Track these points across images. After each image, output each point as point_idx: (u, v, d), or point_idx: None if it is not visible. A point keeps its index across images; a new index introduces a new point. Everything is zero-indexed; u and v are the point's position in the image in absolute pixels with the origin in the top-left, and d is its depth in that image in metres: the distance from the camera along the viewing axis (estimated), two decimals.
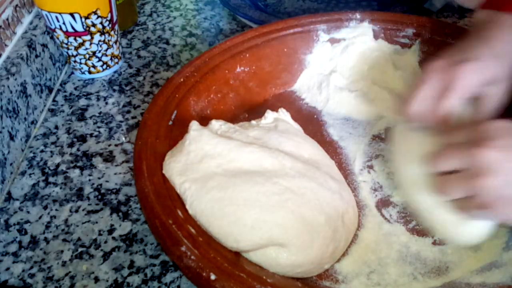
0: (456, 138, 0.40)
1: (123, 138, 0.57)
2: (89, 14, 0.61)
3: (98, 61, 0.66)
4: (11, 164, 0.53)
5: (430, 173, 0.41)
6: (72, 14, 0.60)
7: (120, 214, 0.49)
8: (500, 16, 0.46)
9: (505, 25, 0.45)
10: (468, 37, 0.46)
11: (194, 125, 0.45)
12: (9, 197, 0.51)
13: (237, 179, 0.41)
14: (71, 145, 0.57)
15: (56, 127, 0.59)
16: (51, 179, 0.53)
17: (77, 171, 0.53)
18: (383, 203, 0.47)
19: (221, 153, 0.43)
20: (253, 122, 0.50)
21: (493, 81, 0.43)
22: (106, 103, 0.63)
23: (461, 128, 0.40)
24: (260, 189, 0.40)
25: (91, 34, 0.63)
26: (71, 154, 0.56)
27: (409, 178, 0.44)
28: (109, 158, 0.55)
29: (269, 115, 0.50)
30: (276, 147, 0.45)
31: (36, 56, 0.61)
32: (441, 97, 0.43)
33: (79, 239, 0.46)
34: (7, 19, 0.60)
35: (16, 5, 0.62)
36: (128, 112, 0.61)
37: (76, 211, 0.49)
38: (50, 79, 0.64)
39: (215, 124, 0.47)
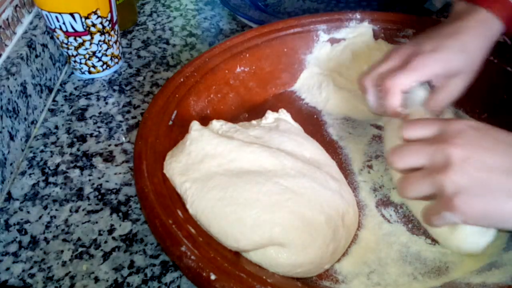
0: (419, 132, 0.39)
1: (123, 138, 0.57)
2: (89, 14, 0.61)
3: (98, 61, 0.66)
4: (11, 164, 0.53)
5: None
6: (72, 14, 0.60)
7: (120, 214, 0.49)
8: (475, 9, 0.46)
9: (478, 19, 0.46)
10: (441, 27, 0.47)
11: (195, 125, 0.45)
12: (9, 197, 0.51)
13: (237, 179, 0.41)
14: (71, 145, 0.57)
15: (56, 127, 0.59)
16: (51, 179, 0.53)
17: (77, 171, 0.53)
18: (383, 203, 0.47)
19: (222, 153, 0.43)
20: (254, 122, 0.50)
21: (455, 74, 0.45)
22: (106, 103, 0.63)
23: (425, 123, 0.39)
24: (261, 189, 0.40)
25: (91, 34, 0.63)
26: (71, 154, 0.56)
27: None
28: (109, 158, 0.55)
29: (270, 116, 0.50)
30: (277, 147, 0.45)
31: (36, 56, 0.61)
32: (397, 72, 0.45)
33: (79, 239, 0.46)
34: (7, 19, 0.60)
35: (16, 5, 0.62)
36: (128, 112, 0.61)
37: (76, 211, 0.49)
38: (50, 79, 0.64)
39: (216, 124, 0.47)
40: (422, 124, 0.39)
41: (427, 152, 0.36)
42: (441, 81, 0.46)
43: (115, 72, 0.68)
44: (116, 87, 0.66)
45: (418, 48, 0.46)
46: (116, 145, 0.56)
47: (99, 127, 0.59)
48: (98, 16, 0.62)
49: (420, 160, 0.37)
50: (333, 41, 0.61)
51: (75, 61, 0.65)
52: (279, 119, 0.50)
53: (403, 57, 0.46)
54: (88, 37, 0.63)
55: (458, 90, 0.46)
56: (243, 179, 0.41)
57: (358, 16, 0.60)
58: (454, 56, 0.45)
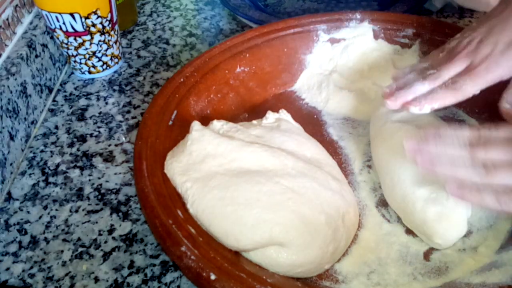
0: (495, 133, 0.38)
1: (123, 138, 0.57)
2: (89, 14, 0.61)
3: (98, 61, 0.66)
4: (11, 164, 0.53)
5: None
6: (72, 14, 0.60)
7: (120, 214, 0.49)
8: None
9: None
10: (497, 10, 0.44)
11: (196, 125, 0.45)
12: (9, 197, 0.51)
13: (238, 179, 0.41)
14: (71, 145, 0.57)
15: (56, 127, 0.59)
16: (51, 179, 0.53)
17: (77, 171, 0.53)
18: (383, 203, 0.47)
19: (222, 153, 0.43)
20: (254, 122, 0.50)
21: None
22: (106, 103, 0.63)
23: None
24: (261, 189, 0.40)
25: (91, 34, 0.63)
26: (71, 154, 0.56)
27: (388, 170, 0.45)
28: (109, 158, 0.55)
29: (271, 116, 0.50)
30: (278, 146, 0.45)
31: (36, 56, 0.61)
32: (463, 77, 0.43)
33: (79, 239, 0.46)
34: (7, 19, 0.60)
35: (16, 5, 0.62)
36: (128, 112, 0.61)
37: (76, 211, 0.49)
38: (50, 79, 0.64)
39: (217, 124, 0.47)
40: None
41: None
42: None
43: (115, 72, 0.68)
44: (116, 87, 0.66)
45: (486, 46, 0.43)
46: (116, 145, 0.56)
47: (99, 127, 0.59)
48: (98, 16, 0.62)
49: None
50: (333, 41, 0.61)
51: (75, 61, 0.65)
52: (280, 119, 0.50)
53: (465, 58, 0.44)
54: (88, 37, 0.63)
55: None
56: (243, 179, 0.41)
57: (358, 16, 0.60)
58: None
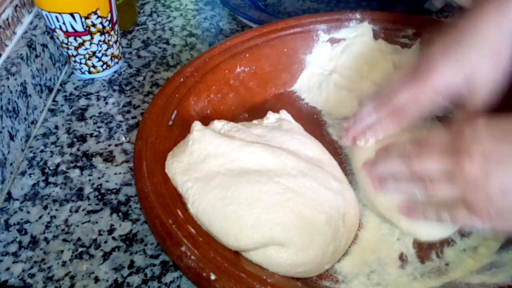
0: (434, 138, 0.38)
1: (123, 138, 0.57)
2: (89, 14, 0.61)
3: (98, 61, 0.66)
4: (11, 164, 0.53)
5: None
6: (72, 14, 0.60)
7: (120, 214, 0.49)
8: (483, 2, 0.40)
9: (486, 12, 0.40)
10: (454, 25, 0.42)
11: (197, 125, 0.45)
12: (9, 197, 0.51)
13: (239, 179, 0.41)
14: (71, 145, 0.57)
15: (56, 127, 0.59)
16: (51, 179, 0.53)
17: (77, 171, 0.53)
18: None
19: (223, 153, 0.43)
20: (255, 121, 0.50)
21: (472, 81, 0.40)
22: (106, 103, 0.63)
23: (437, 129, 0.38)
24: (262, 189, 0.40)
25: (91, 34, 0.63)
26: (71, 154, 0.56)
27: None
28: (109, 158, 0.55)
29: (271, 116, 0.50)
30: (279, 146, 0.45)
31: (36, 56, 0.61)
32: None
33: (79, 239, 0.46)
34: (7, 19, 0.60)
35: (16, 5, 0.62)
36: (128, 112, 0.61)
37: (76, 211, 0.49)
38: (50, 79, 0.64)
39: (217, 124, 0.47)
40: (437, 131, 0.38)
41: (446, 160, 0.36)
42: (463, 92, 0.41)
43: (115, 72, 0.68)
44: (116, 87, 0.66)
45: (431, 52, 0.42)
46: (116, 145, 0.56)
47: (99, 127, 0.59)
48: (98, 16, 0.62)
49: (438, 167, 0.37)
50: (333, 41, 0.61)
51: (75, 61, 0.65)
52: (281, 119, 0.50)
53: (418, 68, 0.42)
54: (88, 37, 0.63)
55: (481, 99, 0.41)
56: (244, 178, 0.41)
57: (358, 16, 0.60)
58: (475, 58, 0.39)
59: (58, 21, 0.60)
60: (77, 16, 0.60)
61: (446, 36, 0.42)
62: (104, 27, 0.63)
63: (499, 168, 0.33)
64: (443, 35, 0.42)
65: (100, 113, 0.61)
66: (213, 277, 0.35)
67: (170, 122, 0.48)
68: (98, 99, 0.63)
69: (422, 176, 0.38)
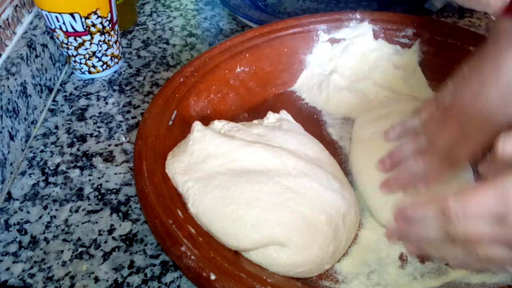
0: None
1: (123, 138, 0.57)
2: (89, 14, 0.61)
3: (98, 61, 0.66)
4: (11, 164, 0.53)
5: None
6: (72, 14, 0.60)
7: (120, 214, 0.49)
8: None
9: None
10: (480, 57, 0.39)
11: (197, 125, 0.45)
12: (9, 197, 0.51)
13: (239, 178, 0.41)
14: (71, 145, 0.57)
15: (56, 127, 0.59)
16: (51, 179, 0.53)
17: (77, 171, 0.53)
18: None
19: (224, 153, 0.43)
20: (255, 121, 0.50)
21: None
22: (106, 103, 0.63)
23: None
24: (262, 188, 0.40)
25: (91, 34, 0.63)
26: (71, 154, 0.56)
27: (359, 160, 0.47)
28: (109, 158, 0.55)
29: (271, 116, 0.50)
30: (280, 145, 0.45)
31: (36, 56, 0.61)
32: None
33: (79, 239, 0.46)
34: (7, 19, 0.60)
35: (16, 5, 0.62)
36: (128, 112, 0.61)
37: (76, 211, 0.49)
38: (50, 79, 0.64)
39: (218, 124, 0.47)
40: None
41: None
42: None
43: (115, 72, 0.68)
44: (116, 87, 0.66)
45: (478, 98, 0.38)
46: (116, 145, 0.56)
47: (99, 127, 0.59)
48: (98, 16, 0.62)
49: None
50: (333, 41, 0.61)
51: (75, 61, 0.65)
52: (282, 119, 0.50)
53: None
54: (88, 37, 0.63)
55: None
56: (244, 178, 0.41)
57: (358, 16, 0.60)
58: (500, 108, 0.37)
59: (58, 21, 0.60)
60: (77, 16, 0.60)
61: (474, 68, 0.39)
62: (104, 27, 0.63)
63: None
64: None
65: (100, 113, 0.61)
66: (213, 277, 0.35)
67: (170, 122, 0.48)
68: (98, 99, 0.63)
69: (470, 239, 0.31)
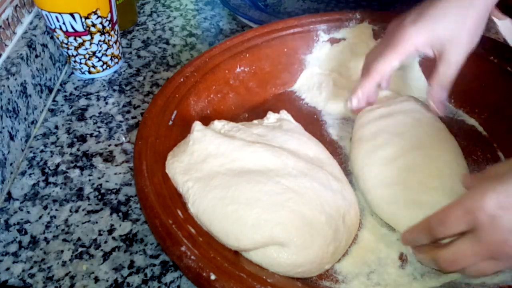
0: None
1: (123, 138, 0.57)
2: (89, 14, 0.61)
3: (98, 61, 0.66)
4: (11, 164, 0.53)
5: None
6: (72, 14, 0.60)
7: (120, 214, 0.49)
8: None
9: None
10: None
11: (197, 125, 0.45)
12: (9, 197, 0.51)
13: (239, 178, 0.41)
14: (71, 145, 0.57)
15: (56, 127, 0.59)
16: (51, 179, 0.53)
17: (77, 171, 0.53)
18: None
19: (224, 153, 0.43)
20: (255, 121, 0.50)
21: (444, 42, 0.44)
22: (106, 103, 0.63)
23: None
24: (262, 188, 0.40)
25: (91, 34, 0.63)
26: (71, 154, 0.56)
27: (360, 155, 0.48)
28: (109, 158, 0.55)
29: (271, 116, 0.50)
30: (280, 145, 0.45)
31: (36, 56, 0.61)
32: (378, 57, 0.46)
33: (79, 239, 0.46)
34: (7, 19, 0.60)
35: (16, 5, 0.62)
36: (128, 112, 0.61)
37: (76, 211, 0.49)
38: (50, 79, 0.64)
39: (218, 124, 0.47)
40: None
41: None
42: (435, 51, 0.46)
43: (115, 72, 0.68)
44: (116, 87, 0.66)
45: (400, 22, 0.46)
46: (116, 145, 0.56)
47: (99, 127, 0.59)
48: (98, 16, 0.62)
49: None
50: (333, 41, 0.61)
51: (75, 61, 0.65)
52: (282, 119, 0.50)
53: (387, 37, 0.47)
54: (88, 37, 0.63)
55: (457, 61, 0.45)
56: (245, 178, 0.41)
57: (358, 16, 0.60)
58: (437, 24, 0.44)
59: (58, 21, 0.60)
60: (77, 16, 0.60)
61: (417, 8, 0.46)
62: (104, 27, 0.63)
63: None
64: (416, 8, 0.47)
65: (100, 113, 0.61)
66: (213, 277, 0.35)
67: (170, 122, 0.48)
68: (98, 99, 0.63)
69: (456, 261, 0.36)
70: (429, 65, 0.58)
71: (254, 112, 0.57)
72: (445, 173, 0.44)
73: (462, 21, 0.44)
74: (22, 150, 0.56)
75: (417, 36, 0.45)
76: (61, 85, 0.66)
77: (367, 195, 0.46)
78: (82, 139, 0.57)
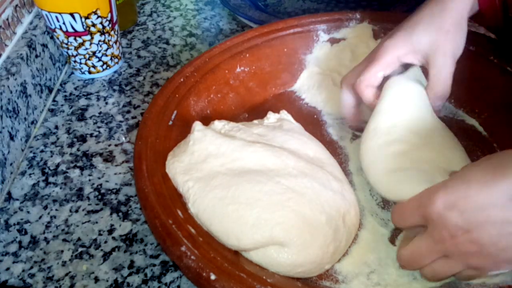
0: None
1: (123, 138, 0.57)
2: (89, 14, 0.61)
3: (98, 61, 0.66)
4: (11, 164, 0.53)
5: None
6: (72, 14, 0.60)
7: (120, 214, 0.49)
8: None
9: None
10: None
11: (197, 125, 0.45)
12: (9, 197, 0.51)
13: (240, 178, 0.41)
14: (71, 145, 0.57)
15: (56, 127, 0.59)
16: (51, 179, 0.53)
17: (77, 171, 0.53)
18: (383, 203, 0.47)
19: (224, 153, 0.43)
20: (255, 121, 0.50)
21: (427, 52, 0.45)
22: (106, 103, 0.63)
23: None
24: (262, 188, 0.40)
25: (91, 34, 0.63)
26: (71, 154, 0.56)
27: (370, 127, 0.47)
28: (109, 158, 0.55)
29: (271, 116, 0.50)
30: (280, 145, 0.45)
31: (36, 56, 0.61)
32: (363, 70, 0.47)
33: (79, 239, 0.46)
34: (7, 19, 0.60)
35: (16, 5, 0.62)
36: (128, 112, 0.61)
37: (76, 211, 0.49)
38: (50, 79, 0.64)
39: (218, 124, 0.47)
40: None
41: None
42: (421, 61, 0.47)
43: (115, 72, 0.68)
44: (116, 87, 0.66)
45: (385, 38, 0.48)
46: (116, 145, 0.56)
47: (99, 127, 0.59)
48: (98, 16, 0.62)
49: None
50: (333, 41, 0.61)
51: (75, 61, 0.65)
52: (282, 119, 0.50)
53: (367, 57, 0.48)
54: (88, 37, 0.63)
55: (445, 65, 0.45)
56: (245, 178, 0.41)
57: (358, 16, 0.60)
58: (413, 35, 0.45)
59: (58, 21, 0.60)
60: (77, 16, 0.60)
61: (398, 26, 0.48)
62: (104, 27, 0.63)
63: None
64: (397, 27, 0.48)
65: (100, 113, 0.61)
66: (213, 277, 0.35)
67: (170, 122, 0.48)
68: (98, 99, 0.63)
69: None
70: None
71: (254, 112, 0.57)
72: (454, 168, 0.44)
73: (438, 28, 0.45)
74: (22, 150, 0.56)
75: (396, 48, 0.46)
76: (61, 85, 0.66)
77: (368, 174, 0.46)
78: (82, 139, 0.58)
